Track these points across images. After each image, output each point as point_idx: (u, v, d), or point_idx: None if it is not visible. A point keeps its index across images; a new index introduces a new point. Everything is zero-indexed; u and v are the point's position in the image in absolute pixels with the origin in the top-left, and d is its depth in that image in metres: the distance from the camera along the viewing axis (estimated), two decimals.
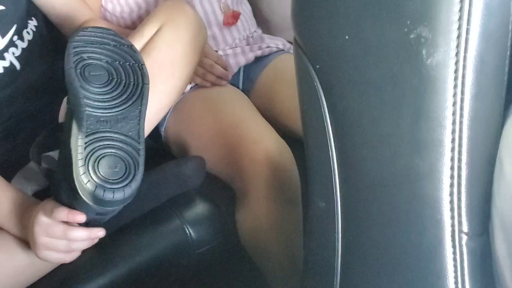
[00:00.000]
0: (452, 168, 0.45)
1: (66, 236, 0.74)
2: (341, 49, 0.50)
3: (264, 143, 0.90)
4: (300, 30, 0.55)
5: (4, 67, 0.87)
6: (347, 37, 0.49)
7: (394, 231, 0.50)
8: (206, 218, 0.95)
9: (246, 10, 1.19)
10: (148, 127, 0.83)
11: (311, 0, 0.52)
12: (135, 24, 1.06)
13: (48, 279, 0.82)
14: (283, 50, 1.15)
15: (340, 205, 0.56)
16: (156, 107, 0.84)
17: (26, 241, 0.78)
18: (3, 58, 0.87)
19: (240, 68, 1.13)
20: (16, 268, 0.78)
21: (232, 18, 1.13)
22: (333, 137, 0.54)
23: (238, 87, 1.13)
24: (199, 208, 0.95)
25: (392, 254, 0.51)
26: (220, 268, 1.00)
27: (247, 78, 1.13)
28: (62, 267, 0.81)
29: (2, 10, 0.85)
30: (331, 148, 0.54)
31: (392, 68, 0.46)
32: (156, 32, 0.89)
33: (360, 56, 0.48)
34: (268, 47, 1.13)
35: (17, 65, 0.88)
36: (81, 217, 0.72)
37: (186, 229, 0.93)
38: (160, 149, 1.08)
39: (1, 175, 0.87)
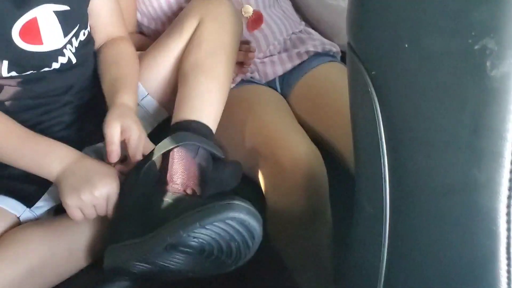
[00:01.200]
0: (511, 180, 0.45)
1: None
2: (400, 56, 0.50)
3: (294, 149, 0.90)
4: (356, 35, 0.55)
5: (62, 63, 0.90)
6: (406, 45, 0.49)
7: (445, 241, 0.50)
8: None
9: (281, 10, 1.16)
10: (216, 116, 0.87)
11: (370, 6, 0.52)
12: None
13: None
14: (321, 53, 1.13)
15: (389, 211, 0.56)
16: (220, 96, 0.88)
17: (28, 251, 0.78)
18: (63, 54, 0.90)
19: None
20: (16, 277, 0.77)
21: (254, 23, 1.11)
22: (385, 143, 0.54)
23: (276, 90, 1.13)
24: None
25: (442, 265, 0.51)
26: (251, 267, 1.01)
27: (286, 83, 1.12)
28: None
29: (66, 10, 0.88)
30: (382, 153, 0.54)
31: (453, 78, 0.46)
32: (198, 25, 0.92)
33: (419, 65, 0.48)
34: (307, 51, 1.12)
35: (74, 59, 0.91)
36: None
37: None
38: None
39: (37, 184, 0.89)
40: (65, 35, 0.88)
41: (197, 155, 0.80)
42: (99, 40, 0.99)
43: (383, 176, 0.55)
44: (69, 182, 0.78)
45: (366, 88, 0.55)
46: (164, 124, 0.99)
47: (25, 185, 0.85)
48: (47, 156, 0.80)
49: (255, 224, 0.70)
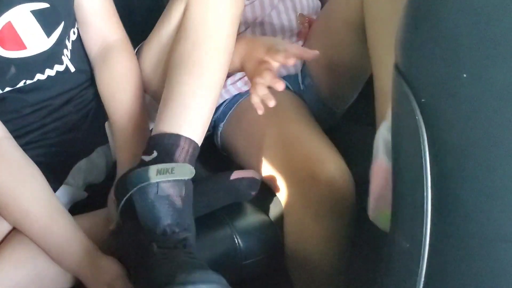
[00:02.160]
0: None
1: None
2: (456, 87, 0.46)
3: (327, 164, 0.86)
4: (406, 58, 0.51)
5: (59, 71, 0.85)
6: (465, 75, 0.45)
7: (496, 286, 0.46)
8: (256, 230, 0.92)
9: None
10: (203, 126, 0.78)
11: (426, 28, 0.48)
12: None
13: None
14: None
15: (428, 250, 0.52)
16: (206, 100, 0.78)
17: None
18: (60, 63, 0.85)
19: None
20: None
21: (309, 29, 1.07)
22: (430, 177, 0.50)
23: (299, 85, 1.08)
24: (251, 219, 0.92)
25: None
26: (265, 282, 0.97)
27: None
28: None
29: (46, 8, 0.81)
30: (426, 189, 0.50)
31: None
32: (185, 10, 0.80)
33: (478, 98, 0.44)
34: None
35: (72, 68, 0.87)
36: None
37: (236, 239, 0.90)
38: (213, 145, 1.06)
39: (62, 165, 0.86)
40: (48, 35, 0.82)
41: (185, 190, 0.73)
42: (92, 45, 0.90)
43: (425, 212, 0.51)
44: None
45: (412, 114, 0.50)
46: None
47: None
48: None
49: None
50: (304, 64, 1.11)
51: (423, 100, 0.49)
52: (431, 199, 0.50)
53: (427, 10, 0.48)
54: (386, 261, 0.58)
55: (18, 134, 0.85)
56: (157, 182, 0.71)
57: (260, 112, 0.82)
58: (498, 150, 0.44)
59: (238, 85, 1.05)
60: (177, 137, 0.75)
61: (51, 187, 0.84)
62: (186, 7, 0.80)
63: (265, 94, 0.79)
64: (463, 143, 0.47)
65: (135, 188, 0.72)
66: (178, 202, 0.73)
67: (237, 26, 0.81)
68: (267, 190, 0.94)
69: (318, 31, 1.04)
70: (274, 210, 0.94)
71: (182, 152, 0.75)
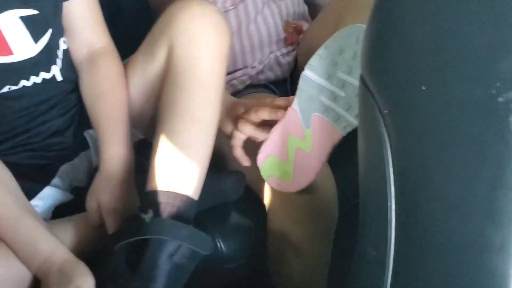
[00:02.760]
0: None
1: None
2: (416, 99, 0.47)
3: None
4: (370, 70, 0.51)
5: (45, 79, 0.85)
6: (423, 88, 0.46)
7: None
8: (238, 235, 0.92)
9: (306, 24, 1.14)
10: (199, 179, 0.76)
11: (389, 41, 0.49)
12: None
13: None
14: None
15: (393, 258, 0.52)
16: (202, 149, 0.77)
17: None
18: (48, 71, 0.85)
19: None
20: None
21: (295, 35, 1.08)
22: (394, 188, 0.51)
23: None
24: (233, 224, 0.93)
25: None
26: (247, 286, 0.98)
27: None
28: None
29: (35, 14, 0.82)
30: (390, 198, 0.51)
31: (474, 129, 0.43)
32: (169, 53, 0.77)
33: (436, 110, 0.45)
34: None
35: (59, 77, 0.87)
36: None
37: (218, 243, 0.91)
38: None
39: (47, 169, 0.87)
40: (36, 41, 0.82)
41: (176, 254, 0.71)
42: (78, 52, 0.89)
43: (388, 220, 0.52)
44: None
45: (377, 127, 0.51)
46: (139, 145, 0.91)
47: (20, 182, 0.83)
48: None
49: None
50: (294, 69, 1.12)
51: (385, 111, 0.50)
52: (395, 208, 0.51)
53: (389, 22, 0.49)
54: (354, 268, 0.59)
55: (3, 138, 0.86)
56: (180, 244, 0.70)
57: (247, 163, 0.83)
58: (456, 161, 0.44)
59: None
60: (177, 196, 0.74)
61: (37, 188, 0.85)
62: (171, 47, 0.78)
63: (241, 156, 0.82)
64: (423, 157, 0.47)
65: (156, 236, 0.69)
66: (181, 273, 0.73)
67: (225, 63, 0.79)
68: (251, 193, 0.95)
69: (311, 37, 1.05)
70: (258, 214, 0.95)
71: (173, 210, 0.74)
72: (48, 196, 0.86)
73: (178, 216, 0.73)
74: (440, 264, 0.47)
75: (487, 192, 0.43)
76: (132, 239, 0.71)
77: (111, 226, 0.79)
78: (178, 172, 0.75)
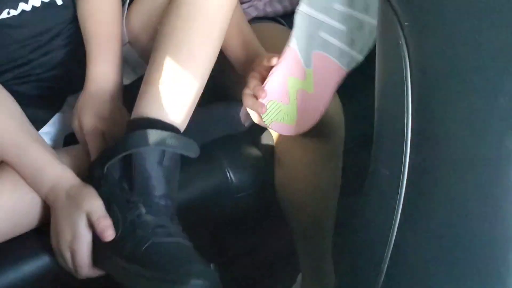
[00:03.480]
0: None
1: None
2: (438, 9, 0.45)
3: None
4: None
5: (43, 2, 0.82)
6: None
7: (466, 213, 0.46)
8: (247, 165, 0.93)
9: None
10: (186, 113, 0.74)
11: None
12: None
13: None
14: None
15: (407, 176, 0.52)
16: (193, 87, 0.74)
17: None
18: None
19: None
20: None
21: None
22: (411, 103, 0.50)
23: None
24: (243, 155, 0.93)
25: (457, 238, 0.48)
26: (257, 215, 0.99)
27: None
28: None
29: None
30: (407, 114, 0.50)
31: (501, 35, 0.41)
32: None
33: (458, 21, 0.43)
34: None
35: (59, 0, 0.84)
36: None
37: (227, 173, 0.92)
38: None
39: (53, 99, 0.85)
40: None
41: (164, 159, 0.70)
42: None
43: (405, 138, 0.51)
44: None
45: (396, 40, 0.50)
46: None
47: (29, 110, 0.82)
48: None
49: None
50: None
51: (406, 23, 0.48)
52: (411, 126, 0.50)
53: None
54: (366, 189, 0.58)
55: (5, 69, 0.85)
56: (163, 151, 0.69)
57: (262, 110, 0.79)
58: (476, 74, 0.43)
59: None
60: (163, 124, 0.72)
61: (46, 116, 0.84)
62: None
63: (253, 103, 0.78)
64: (443, 69, 0.46)
65: (137, 149, 0.69)
66: (173, 174, 0.72)
67: (231, 12, 0.76)
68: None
69: None
70: (265, 144, 0.95)
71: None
72: (59, 122, 0.86)
73: (161, 143, 0.71)
74: (457, 178, 0.47)
75: (508, 102, 0.42)
76: (116, 157, 0.70)
77: (92, 149, 0.77)
78: (167, 102, 0.73)
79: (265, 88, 0.77)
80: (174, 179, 0.73)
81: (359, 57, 0.75)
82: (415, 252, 0.53)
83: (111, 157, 0.71)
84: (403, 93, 0.50)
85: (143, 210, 0.67)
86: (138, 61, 0.90)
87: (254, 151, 0.93)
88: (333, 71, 0.77)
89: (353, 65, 0.76)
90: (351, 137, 0.89)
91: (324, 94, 0.78)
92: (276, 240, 1.09)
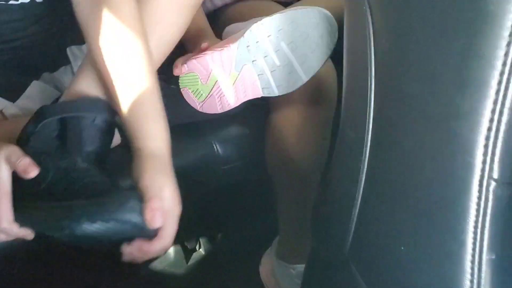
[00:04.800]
0: (493, 111, 0.43)
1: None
2: None
3: None
4: None
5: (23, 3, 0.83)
6: None
7: (421, 167, 0.49)
8: (234, 138, 0.96)
9: None
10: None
11: None
12: None
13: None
14: None
15: (371, 137, 0.55)
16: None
17: None
18: None
19: None
20: None
21: None
22: (374, 67, 0.52)
23: None
24: (229, 128, 0.96)
25: (416, 190, 0.50)
26: (243, 188, 1.02)
27: None
28: None
29: None
30: (370, 78, 0.53)
31: None
32: None
33: None
34: None
35: None
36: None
37: (214, 145, 0.95)
38: None
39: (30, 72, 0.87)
40: None
41: (95, 120, 0.68)
42: None
43: (368, 100, 0.53)
44: None
45: (360, 6, 0.52)
46: None
47: (6, 78, 0.84)
48: None
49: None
50: None
51: None
52: (375, 88, 0.53)
53: None
54: (336, 152, 0.61)
55: None
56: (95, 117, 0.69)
57: None
58: (430, 33, 0.45)
59: None
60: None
61: (22, 82, 0.83)
62: None
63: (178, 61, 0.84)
64: (401, 28, 0.48)
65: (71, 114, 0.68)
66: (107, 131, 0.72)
67: None
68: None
69: None
70: (257, 122, 0.97)
71: None
72: (38, 89, 0.86)
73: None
74: (412, 136, 0.49)
75: (459, 62, 0.44)
76: (54, 117, 0.69)
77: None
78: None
79: (196, 59, 0.84)
80: (109, 139, 0.72)
81: (276, 92, 0.84)
82: (380, 208, 0.55)
83: (47, 117, 0.69)
84: (366, 56, 0.52)
85: (79, 159, 0.67)
86: None
87: (242, 128, 0.96)
88: (253, 88, 0.84)
89: (267, 92, 0.84)
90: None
91: (237, 97, 0.85)
92: (263, 213, 1.12)
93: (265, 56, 0.82)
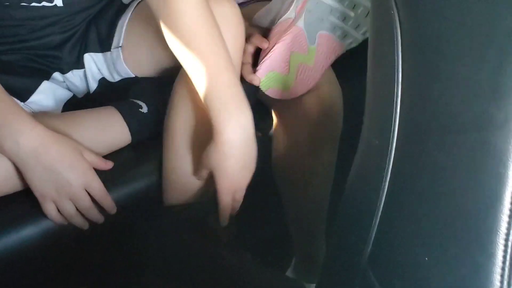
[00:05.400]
0: None
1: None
2: None
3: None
4: None
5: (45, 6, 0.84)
6: None
7: (450, 177, 0.48)
8: None
9: None
10: None
11: None
12: None
13: None
14: None
15: (395, 145, 0.53)
16: None
17: None
18: (51, 1, 0.84)
19: None
20: None
21: None
22: (401, 72, 0.51)
23: None
24: None
25: (444, 200, 0.49)
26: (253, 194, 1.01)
27: None
28: None
29: None
30: (397, 84, 0.51)
31: (483, 5, 0.42)
32: None
33: None
34: None
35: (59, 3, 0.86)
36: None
37: None
38: None
39: (41, 72, 0.87)
40: None
41: None
42: None
43: (394, 107, 0.52)
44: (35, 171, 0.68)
45: (388, 9, 0.51)
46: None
47: (18, 79, 0.83)
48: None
49: None
50: None
51: None
52: (401, 92, 0.51)
53: None
54: (357, 160, 0.60)
55: (1, 41, 0.86)
56: None
57: (256, 82, 0.85)
58: (464, 40, 0.44)
59: None
60: None
61: (35, 84, 0.85)
62: None
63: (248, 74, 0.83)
64: (432, 34, 0.47)
65: None
66: None
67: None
68: (259, 104, 0.96)
69: None
70: (265, 124, 0.96)
71: None
72: (49, 89, 0.87)
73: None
74: (442, 146, 0.48)
75: (494, 69, 0.43)
76: None
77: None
78: None
79: (269, 59, 0.82)
80: None
81: (361, 38, 0.83)
82: (403, 217, 0.54)
83: None
84: (393, 60, 0.51)
85: None
86: None
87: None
88: (335, 47, 0.84)
89: (353, 45, 0.83)
90: (349, 120, 0.91)
91: (322, 66, 0.84)
92: (272, 220, 1.11)
93: (337, 16, 0.81)
